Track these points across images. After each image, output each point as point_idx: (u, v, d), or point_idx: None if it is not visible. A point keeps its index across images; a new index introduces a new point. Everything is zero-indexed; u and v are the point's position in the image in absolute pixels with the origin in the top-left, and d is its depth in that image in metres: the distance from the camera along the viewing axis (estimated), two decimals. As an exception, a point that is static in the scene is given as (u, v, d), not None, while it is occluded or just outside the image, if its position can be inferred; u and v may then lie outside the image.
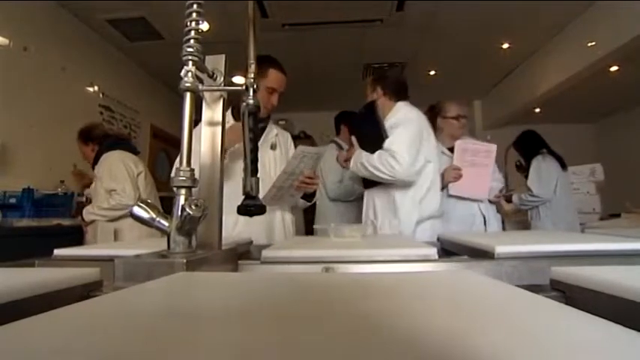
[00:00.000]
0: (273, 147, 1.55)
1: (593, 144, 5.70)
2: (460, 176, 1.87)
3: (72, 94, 3.19)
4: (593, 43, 3.27)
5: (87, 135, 2.30)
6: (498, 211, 2.01)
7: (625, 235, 0.80)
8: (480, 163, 1.87)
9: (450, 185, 1.87)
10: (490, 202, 1.91)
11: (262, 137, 1.51)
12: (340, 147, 2.48)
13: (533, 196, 2.46)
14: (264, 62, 1.45)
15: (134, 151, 2.39)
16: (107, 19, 3.28)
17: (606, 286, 0.37)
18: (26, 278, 0.41)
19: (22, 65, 2.70)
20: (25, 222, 2.35)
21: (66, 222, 2.51)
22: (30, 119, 2.74)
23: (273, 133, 1.58)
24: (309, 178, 1.39)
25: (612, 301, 0.35)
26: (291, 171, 1.32)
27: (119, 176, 2.14)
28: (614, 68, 3.69)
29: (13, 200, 2.43)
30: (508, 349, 0.20)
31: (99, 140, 2.29)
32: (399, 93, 1.78)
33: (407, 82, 1.87)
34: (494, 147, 1.89)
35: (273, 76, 1.47)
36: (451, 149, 1.94)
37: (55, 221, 2.47)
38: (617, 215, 2.60)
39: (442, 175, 1.83)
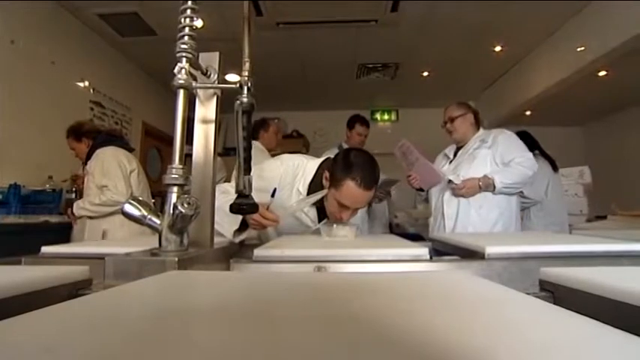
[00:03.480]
0: None
1: (581, 147, 5.81)
2: (415, 178, 1.92)
3: (62, 90, 3.13)
4: (583, 48, 3.33)
5: (78, 132, 2.27)
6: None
7: (611, 237, 0.82)
8: (413, 160, 1.90)
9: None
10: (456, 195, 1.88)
11: (322, 222, 1.26)
12: None
13: (524, 197, 2.49)
14: (344, 169, 1.13)
15: (128, 148, 2.36)
16: (98, 14, 3.23)
17: (593, 287, 0.37)
18: (13, 276, 0.40)
19: (9, 59, 2.64)
20: (11, 219, 2.31)
21: (54, 219, 2.47)
22: (17, 114, 2.68)
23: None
24: None
25: (599, 300, 0.36)
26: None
27: (111, 172, 2.11)
28: (602, 73, 3.76)
29: (-1, 196, 2.38)
30: (496, 347, 0.20)
31: (92, 136, 2.26)
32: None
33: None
34: (402, 142, 1.96)
35: (348, 192, 1.11)
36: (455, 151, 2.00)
37: (42, 218, 2.42)
38: (604, 217, 2.65)
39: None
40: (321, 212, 1.28)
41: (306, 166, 1.30)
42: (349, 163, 1.13)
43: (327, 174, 1.20)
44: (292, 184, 1.27)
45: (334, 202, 1.16)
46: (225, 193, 1.07)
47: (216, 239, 0.70)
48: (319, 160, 1.32)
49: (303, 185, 1.26)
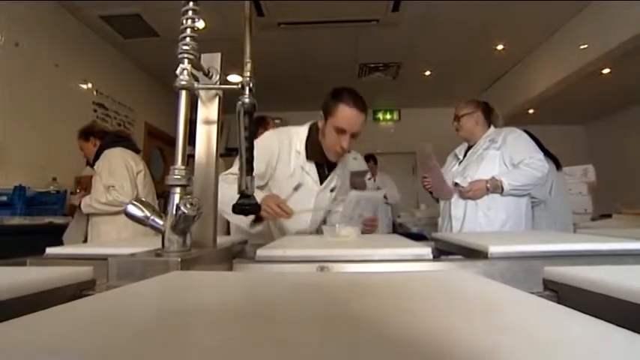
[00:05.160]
0: (332, 190, 1.45)
1: (583, 145, 5.78)
2: (429, 182, 1.88)
3: (65, 91, 3.16)
4: (586, 46, 3.31)
5: (88, 132, 2.30)
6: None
7: (616, 236, 0.82)
8: (430, 167, 1.85)
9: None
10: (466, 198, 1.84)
11: (325, 183, 1.40)
12: None
13: (530, 197, 2.47)
14: (334, 97, 1.26)
15: (135, 149, 2.38)
16: (101, 15, 3.25)
17: (597, 286, 0.37)
18: (17, 277, 0.41)
19: (14, 61, 2.66)
20: (16, 220, 2.32)
21: (58, 220, 2.48)
22: (22, 116, 2.70)
23: (334, 182, 1.45)
24: (371, 221, 1.32)
25: (603, 299, 0.36)
26: (350, 215, 1.27)
27: (118, 173, 2.14)
28: (606, 71, 3.74)
29: (4, 198, 2.40)
30: (500, 347, 0.20)
31: (100, 136, 2.29)
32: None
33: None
34: (424, 146, 1.85)
35: (342, 114, 1.23)
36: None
37: (47, 219, 2.44)
38: (608, 216, 2.63)
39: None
40: (322, 170, 1.38)
41: (298, 130, 1.40)
42: (338, 92, 1.26)
43: (321, 114, 1.31)
44: (290, 146, 1.36)
45: (332, 132, 1.26)
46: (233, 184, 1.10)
47: (219, 239, 0.70)
48: (307, 124, 1.42)
49: (300, 145, 1.36)
